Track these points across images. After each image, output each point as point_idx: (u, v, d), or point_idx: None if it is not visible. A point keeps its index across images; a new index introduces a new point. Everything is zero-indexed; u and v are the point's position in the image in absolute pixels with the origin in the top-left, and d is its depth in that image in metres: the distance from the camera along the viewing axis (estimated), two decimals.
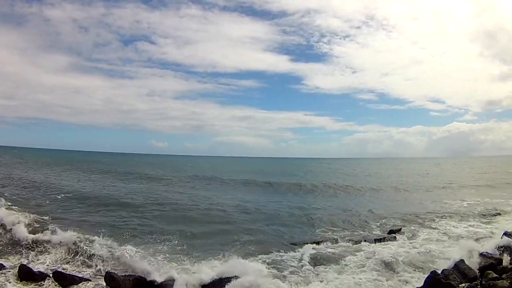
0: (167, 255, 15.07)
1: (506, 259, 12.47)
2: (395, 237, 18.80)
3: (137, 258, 14.11)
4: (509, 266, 11.57)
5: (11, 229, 17.28)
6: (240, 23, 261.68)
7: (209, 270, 12.64)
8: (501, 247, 13.60)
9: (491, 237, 16.76)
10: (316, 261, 14.76)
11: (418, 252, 15.63)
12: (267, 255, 15.48)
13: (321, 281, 12.45)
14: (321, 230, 20.64)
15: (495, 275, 10.71)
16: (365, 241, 18.02)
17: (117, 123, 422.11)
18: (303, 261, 14.75)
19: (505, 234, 14.56)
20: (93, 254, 14.51)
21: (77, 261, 13.97)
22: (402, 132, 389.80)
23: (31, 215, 20.41)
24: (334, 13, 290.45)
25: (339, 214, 26.33)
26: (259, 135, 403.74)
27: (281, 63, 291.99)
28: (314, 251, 16.13)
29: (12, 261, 13.32)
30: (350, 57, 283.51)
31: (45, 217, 20.62)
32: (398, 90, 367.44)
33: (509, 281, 9.77)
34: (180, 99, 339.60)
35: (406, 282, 12.13)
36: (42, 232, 17.14)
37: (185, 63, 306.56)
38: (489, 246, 14.55)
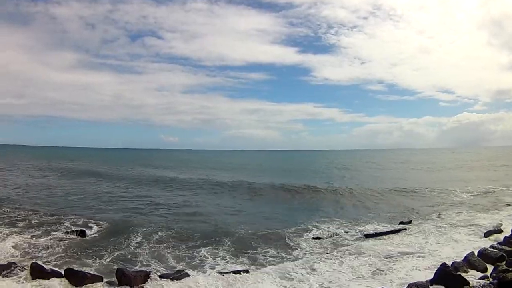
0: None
1: None
2: (405, 228, 18.77)
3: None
4: None
5: None
6: (247, 15, 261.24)
7: None
8: (511, 239, 13.57)
9: (501, 229, 16.68)
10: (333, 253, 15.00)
11: (428, 243, 15.59)
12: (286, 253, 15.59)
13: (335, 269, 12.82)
14: (334, 224, 20.66)
15: (505, 267, 10.68)
16: (376, 233, 18.12)
17: (126, 118, 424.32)
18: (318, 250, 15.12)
19: None
20: (103, 251, 14.81)
21: (88, 257, 14.12)
22: (412, 123, 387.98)
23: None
24: (341, 4, 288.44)
25: (351, 207, 26.47)
26: (269, 128, 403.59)
27: (289, 55, 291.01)
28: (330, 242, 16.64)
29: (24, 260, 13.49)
30: (358, 48, 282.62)
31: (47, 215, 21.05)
32: (407, 80, 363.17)
33: None
34: (189, 93, 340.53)
35: (417, 273, 12.11)
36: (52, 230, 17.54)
37: (193, 57, 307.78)
38: (499, 238, 14.55)
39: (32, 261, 12.66)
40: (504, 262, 11.23)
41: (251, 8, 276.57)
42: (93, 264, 13.50)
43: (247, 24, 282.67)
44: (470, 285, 9.96)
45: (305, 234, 18.31)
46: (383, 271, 12.64)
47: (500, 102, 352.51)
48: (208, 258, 14.62)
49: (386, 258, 14.09)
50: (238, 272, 12.31)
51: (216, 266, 13.66)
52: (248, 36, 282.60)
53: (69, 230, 17.73)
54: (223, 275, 11.96)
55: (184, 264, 13.90)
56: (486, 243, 14.34)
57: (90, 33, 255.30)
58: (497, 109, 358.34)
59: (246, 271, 12.48)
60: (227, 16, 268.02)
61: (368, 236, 17.80)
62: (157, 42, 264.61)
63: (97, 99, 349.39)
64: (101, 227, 18.63)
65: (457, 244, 15.42)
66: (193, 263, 14.08)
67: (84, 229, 18.04)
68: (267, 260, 14.34)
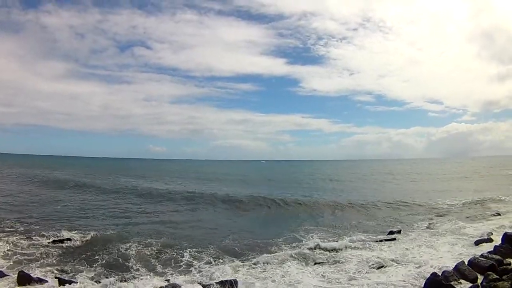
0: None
1: (506, 260, 12.47)
2: (394, 238, 18.76)
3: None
4: (510, 267, 11.56)
5: None
6: (236, 27, 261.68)
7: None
8: (502, 248, 13.62)
9: (491, 238, 16.75)
10: (315, 261, 15.04)
11: (417, 252, 15.61)
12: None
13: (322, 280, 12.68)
14: (319, 234, 20.56)
15: (495, 276, 10.70)
16: (365, 241, 18.10)
17: (115, 128, 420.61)
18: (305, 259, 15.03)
19: (505, 235, 14.54)
20: (91, 259, 14.65)
21: (76, 266, 13.92)
22: (400, 134, 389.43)
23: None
24: (330, 16, 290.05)
25: (337, 218, 26.41)
26: (257, 138, 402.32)
27: (278, 66, 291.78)
28: (314, 252, 16.40)
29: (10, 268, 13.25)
30: (347, 59, 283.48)
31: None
32: (395, 91, 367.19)
33: (509, 282, 9.77)
34: (177, 103, 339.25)
35: (407, 283, 12.08)
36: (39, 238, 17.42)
37: (182, 67, 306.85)
38: (489, 247, 14.59)
39: (19, 269, 12.50)
40: (495, 271, 11.25)
41: (240, 19, 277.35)
42: (81, 272, 13.28)
43: (236, 35, 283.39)
44: None
45: (288, 243, 18.21)
46: (357, 279, 12.73)
47: (489, 113, 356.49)
48: (195, 266, 14.57)
49: (372, 265, 14.15)
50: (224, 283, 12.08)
51: (203, 271, 13.81)
52: (237, 47, 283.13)
53: (56, 239, 17.48)
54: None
55: (172, 272, 13.82)
56: (476, 252, 14.38)
57: (79, 43, 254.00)
58: (485, 120, 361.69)
59: (233, 282, 12.31)
60: (217, 27, 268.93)
61: (354, 244, 17.77)
62: (146, 52, 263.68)
63: (86, 109, 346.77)
64: (88, 236, 18.35)
65: (447, 253, 15.42)
66: (180, 270, 14.09)
67: (72, 237, 17.83)
68: (250, 267, 14.28)
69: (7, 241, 16.73)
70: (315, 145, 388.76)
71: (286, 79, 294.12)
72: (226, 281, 12.17)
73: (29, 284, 11.45)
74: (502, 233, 15.15)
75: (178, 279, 12.76)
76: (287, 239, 19.06)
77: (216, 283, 12.02)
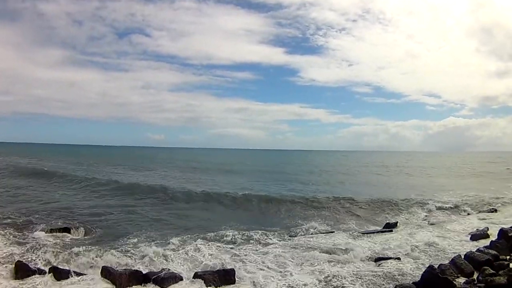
0: None
1: (502, 255, 12.52)
2: (391, 230, 18.83)
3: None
4: (506, 263, 11.61)
5: None
6: (235, 15, 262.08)
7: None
8: (498, 243, 13.68)
9: (488, 233, 16.81)
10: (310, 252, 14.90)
11: (415, 246, 15.58)
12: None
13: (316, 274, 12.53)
14: (314, 223, 20.62)
15: (492, 271, 10.75)
16: (362, 233, 18.18)
17: (112, 116, 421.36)
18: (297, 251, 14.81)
19: (501, 230, 14.59)
20: (88, 250, 14.60)
21: (73, 256, 13.87)
22: (398, 126, 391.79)
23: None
24: (330, 6, 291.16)
25: (327, 208, 26.33)
26: (255, 127, 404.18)
27: (276, 55, 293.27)
28: (309, 244, 16.21)
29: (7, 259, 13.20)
30: (346, 50, 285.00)
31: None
32: (394, 83, 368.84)
33: (506, 277, 9.79)
34: (176, 91, 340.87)
35: (403, 276, 12.11)
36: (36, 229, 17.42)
37: (180, 55, 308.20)
38: (486, 243, 14.65)
39: (16, 260, 12.46)
40: (491, 266, 11.30)
41: (239, 8, 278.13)
42: (78, 262, 13.23)
43: (235, 24, 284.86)
44: None
45: (280, 234, 18.29)
46: (352, 269, 12.71)
47: (487, 108, 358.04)
48: (191, 255, 14.45)
49: (367, 257, 14.24)
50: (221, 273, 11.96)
51: (199, 260, 13.89)
52: (236, 35, 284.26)
53: (53, 229, 17.45)
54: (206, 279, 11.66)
55: (168, 260, 13.80)
56: (473, 247, 14.45)
57: (77, 30, 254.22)
58: (483, 115, 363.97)
59: (230, 271, 12.23)
60: (216, 16, 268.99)
61: (349, 235, 17.88)
62: (144, 40, 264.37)
63: (83, 97, 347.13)
64: (85, 227, 18.34)
65: (444, 247, 15.49)
66: (177, 258, 14.02)
67: (69, 228, 17.81)
68: (246, 258, 14.32)
69: (3, 232, 16.63)
70: (313, 135, 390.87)
71: (285, 69, 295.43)
72: (222, 270, 12.21)
73: (26, 274, 11.43)
74: (499, 229, 15.19)
75: (175, 267, 12.85)
76: (280, 231, 19.08)
77: (213, 271, 12.04)
